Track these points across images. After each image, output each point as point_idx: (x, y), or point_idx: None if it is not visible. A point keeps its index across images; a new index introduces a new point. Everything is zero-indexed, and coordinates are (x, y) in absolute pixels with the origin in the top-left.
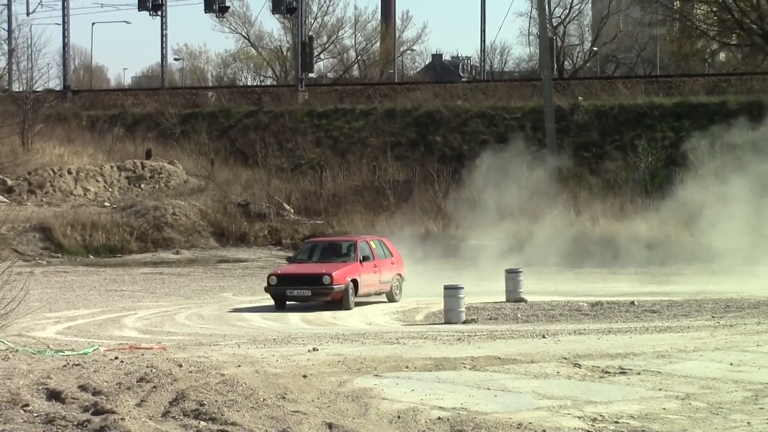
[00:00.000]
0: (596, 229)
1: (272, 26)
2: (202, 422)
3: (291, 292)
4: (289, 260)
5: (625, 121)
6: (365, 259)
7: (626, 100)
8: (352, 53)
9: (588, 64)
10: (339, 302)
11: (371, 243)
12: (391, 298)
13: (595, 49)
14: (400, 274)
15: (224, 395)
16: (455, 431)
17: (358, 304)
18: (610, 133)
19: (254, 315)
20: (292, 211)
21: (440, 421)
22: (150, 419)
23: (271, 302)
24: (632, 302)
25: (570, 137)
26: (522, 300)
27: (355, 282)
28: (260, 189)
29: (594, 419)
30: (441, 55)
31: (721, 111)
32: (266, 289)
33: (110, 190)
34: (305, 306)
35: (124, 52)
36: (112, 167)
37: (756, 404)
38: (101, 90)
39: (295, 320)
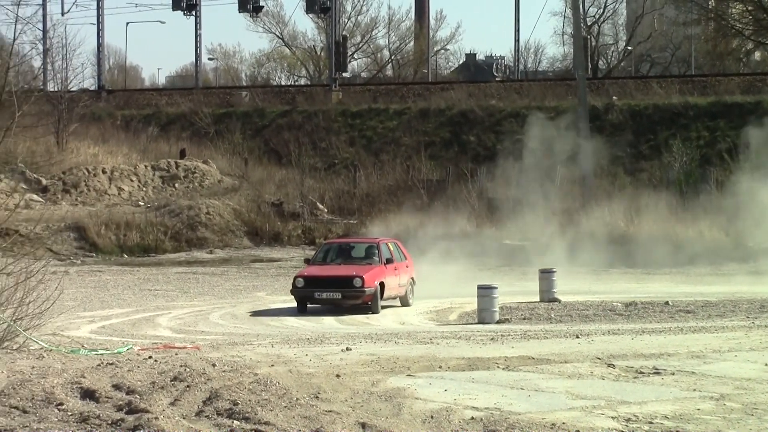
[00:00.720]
0: (631, 229)
1: (306, 26)
2: (235, 421)
3: (319, 295)
4: (308, 262)
5: (659, 120)
6: (388, 261)
7: (661, 100)
8: (386, 53)
9: (622, 64)
10: (367, 306)
11: (389, 245)
12: (405, 302)
13: (629, 48)
14: (412, 278)
15: (258, 395)
16: (488, 431)
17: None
18: (644, 132)
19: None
20: (326, 210)
21: (473, 421)
22: (183, 418)
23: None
24: (666, 302)
25: (604, 137)
26: (556, 300)
27: (382, 285)
28: (294, 188)
29: (628, 420)
30: (475, 54)
31: (756, 110)
32: (292, 292)
33: (144, 189)
34: (325, 309)
35: (159, 52)
36: (146, 167)
37: None
38: (135, 90)
39: (328, 320)
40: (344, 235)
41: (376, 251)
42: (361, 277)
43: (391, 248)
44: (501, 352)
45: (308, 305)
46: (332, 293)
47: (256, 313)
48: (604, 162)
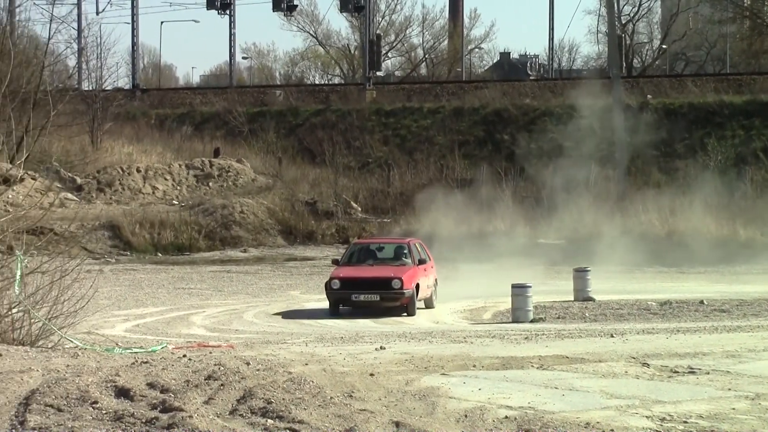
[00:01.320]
0: (665, 227)
1: (340, 25)
2: (269, 420)
3: (356, 297)
4: (337, 263)
5: (694, 119)
6: (421, 262)
7: (696, 99)
8: (420, 51)
9: (657, 62)
10: (404, 308)
11: (416, 245)
12: (429, 304)
13: (664, 47)
14: (436, 279)
15: (292, 393)
16: (522, 430)
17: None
18: (679, 131)
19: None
20: (360, 209)
21: (507, 420)
22: (218, 417)
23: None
24: (701, 301)
25: (639, 136)
26: (590, 299)
27: (417, 286)
28: (328, 187)
29: (662, 419)
30: (509, 53)
31: None
32: (327, 294)
33: (179, 188)
34: (354, 312)
35: (193, 51)
36: (180, 165)
37: None
38: (170, 89)
39: (362, 319)
40: (371, 234)
41: (408, 252)
42: (400, 279)
43: (419, 248)
44: (535, 351)
45: (341, 307)
46: (370, 295)
47: (288, 314)
48: (638, 161)
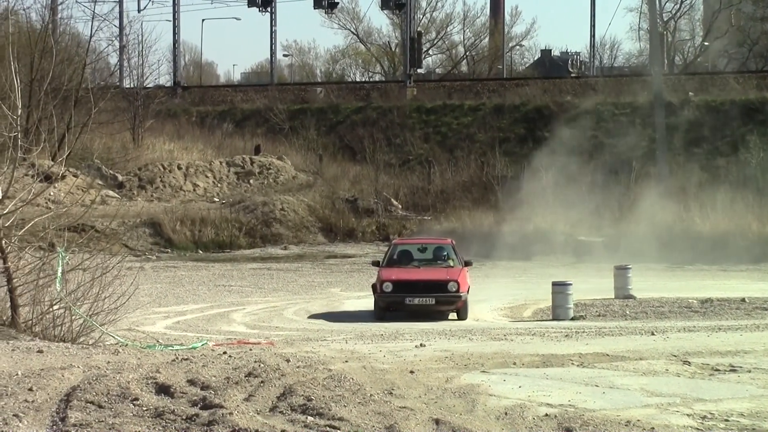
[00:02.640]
0: (707, 225)
1: (381, 22)
2: (309, 417)
3: (410, 300)
4: (378, 264)
5: (736, 116)
6: (467, 263)
7: (738, 96)
8: (461, 49)
9: (699, 59)
10: (456, 312)
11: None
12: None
13: (706, 44)
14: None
15: (331, 390)
16: (563, 428)
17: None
18: (721, 128)
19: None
20: (400, 206)
21: (548, 418)
22: (258, 414)
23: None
24: (743, 299)
25: (680, 133)
26: (631, 296)
27: (468, 289)
28: (368, 185)
29: (703, 417)
30: (550, 50)
31: None
32: (378, 297)
33: (219, 185)
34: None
35: (234, 49)
36: (221, 163)
37: None
38: (211, 86)
39: (401, 316)
40: (411, 232)
41: (452, 252)
42: (456, 281)
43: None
44: (575, 349)
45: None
46: (425, 299)
47: (328, 311)
48: (679, 158)
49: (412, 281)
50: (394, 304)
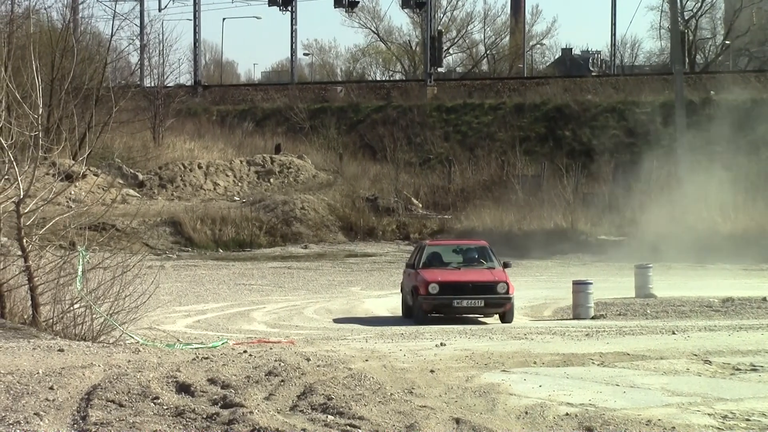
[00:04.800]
0: (727, 224)
1: (401, 21)
2: (329, 416)
3: (458, 303)
4: (413, 267)
5: (757, 115)
6: (506, 265)
7: (759, 94)
8: (481, 48)
9: (720, 58)
10: (503, 315)
11: None
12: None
13: (727, 42)
14: None
15: (352, 389)
16: (583, 427)
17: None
18: (742, 127)
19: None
20: (420, 205)
21: (568, 417)
22: (278, 413)
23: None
24: (764, 298)
25: (701, 132)
26: (651, 296)
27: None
28: (388, 184)
29: (724, 417)
30: (570, 49)
31: None
32: (421, 300)
33: (240, 184)
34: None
35: (254, 48)
36: (241, 162)
37: None
38: (231, 85)
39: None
40: (432, 231)
41: (490, 254)
42: (506, 283)
43: None
44: (596, 348)
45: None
46: (474, 301)
47: (351, 308)
48: (700, 157)
49: (460, 283)
50: (441, 307)
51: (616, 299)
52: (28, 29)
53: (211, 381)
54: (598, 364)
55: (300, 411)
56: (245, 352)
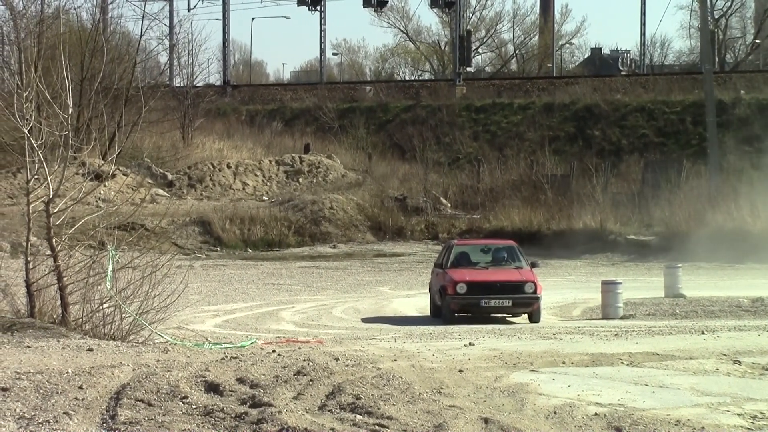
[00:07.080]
0: (757, 224)
1: (430, 20)
2: (358, 416)
3: (486, 303)
4: (441, 266)
5: None
6: (533, 265)
7: None
8: (510, 47)
9: (750, 57)
10: (531, 314)
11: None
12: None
13: (757, 41)
14: None
15: (380, 389)
16: (612, 427)
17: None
18: None
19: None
20: (449, 205)
21: (597, 417)
22: (307, 412)
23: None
24: None
25: (731, 131)
26: (681, 295)
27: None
28: (417, 183)
29: (754, 417)
30: (600, 48)
31: None
32: (450, 299)
33: (269, 184)
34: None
35: (283, 47)
36: (270, 161)
37: None
38: (260, 85)
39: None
40: (460, 230)
41: (518, 254)
42: (534, 282)
43: None
44: (625, 348)
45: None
46: (502, 301)
47: (380, 308)
48: (731, 156)
49: (488, 282)
50: (468, 306)
51: (645, 299)
52: (58, 29)
53: (240, 380)
54: (627, 364)
55: (328, 410)
56: (274, 351)
